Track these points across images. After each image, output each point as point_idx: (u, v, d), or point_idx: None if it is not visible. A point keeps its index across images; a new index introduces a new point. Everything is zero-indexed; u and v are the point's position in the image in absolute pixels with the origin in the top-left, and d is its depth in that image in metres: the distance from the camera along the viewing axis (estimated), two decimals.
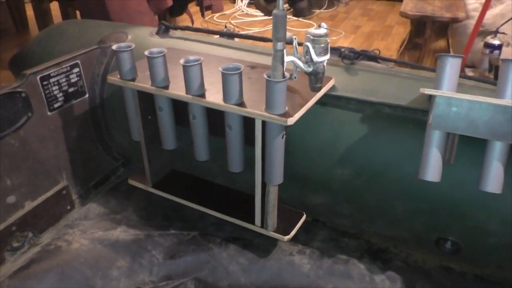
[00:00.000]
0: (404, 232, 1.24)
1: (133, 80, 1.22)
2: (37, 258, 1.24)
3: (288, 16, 0.97)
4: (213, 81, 1.17)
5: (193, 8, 3.37)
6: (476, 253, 1.17)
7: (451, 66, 1.01)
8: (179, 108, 1.26)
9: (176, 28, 1.59)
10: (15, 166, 1.26)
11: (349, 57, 1.29)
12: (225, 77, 1.06)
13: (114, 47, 1.22)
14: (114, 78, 1.24)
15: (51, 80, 1.33)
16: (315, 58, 1.00)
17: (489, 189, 0.99)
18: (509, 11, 2.94)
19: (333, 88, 1.20)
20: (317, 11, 5.09)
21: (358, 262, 1.26)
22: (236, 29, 4.43)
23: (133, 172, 1.51)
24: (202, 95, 1.13)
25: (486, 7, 2.71)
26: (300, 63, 1.02)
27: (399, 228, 1.23)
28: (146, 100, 1.27)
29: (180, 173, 1.48)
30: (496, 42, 2.78)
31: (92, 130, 1.51)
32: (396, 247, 1.31)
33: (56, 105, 1.36)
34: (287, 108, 1.04)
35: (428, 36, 3.09)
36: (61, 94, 1.37)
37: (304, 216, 1.30)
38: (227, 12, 4.96)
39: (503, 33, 2.80)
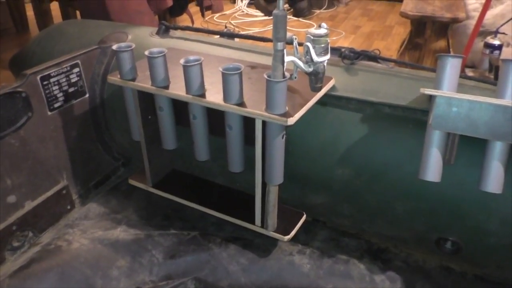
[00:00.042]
0: (404, 232, 1.24)
1: (133, 80, 1.22)
2: (37, 257, 1.24)
3: (288, 16, 0.97)
4: (213, 81, 1.17)
5: (193, 8, 3.37)
6: (476, 253, 1.17)
7: (451, 66, 1.01)
8: (180, 108, 1.26)
9: (176, 28, 1.59)
10: (15, 166, 1.26)
11: (349, 57, 1.30)
12: (225, 77, 1.07)
13: (114, 47, 1.22)
14: (114, 78, 1.24)
15: (51, 80, 1.33)
16: (315, 58, 1.00)
17: (489, 189, 0.99)
18: (509, 11, 2.95)
19: (333, 88, 1.20)
20: (317, 11, 5.09)
21: (358, 262, 1.26)
22: (236, 29, 4.43)
23: (133, 172, 1.51)
24: (202, 95, 1.13)
25: (486, 7, 2.71)
26: (301, 63, 1.02)
27: (399, 228, 1.23)
28: (146, 100, 1.27)
29: (180, 173, 1.48)
30: (496, 42, 2.78)
31: (92, 130, 1.51)
32: (396, 247, 1.31)
33: (56, 105, 1.36)
34: (287, 108, 1.04)
35: (428, 36, 3.10)
36: (61, 94, 1.37)
37: (304, 216, 1.30)
38: (227, 12, 4.96)
39: (503, 33, 2.80)
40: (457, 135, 1.01)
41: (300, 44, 1.03)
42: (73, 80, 1.40)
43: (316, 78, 1.05)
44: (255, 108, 1.06)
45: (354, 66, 1.29)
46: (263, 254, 1.28)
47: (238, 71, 1.06)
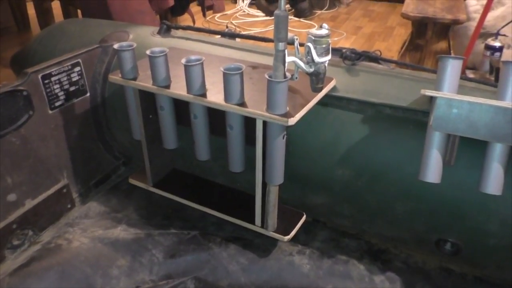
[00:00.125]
0: (404, 233, 1.24)
1: (135, 79, 1.23)
2: (37, 256, 1.24)
3: (289, 17, 0.97)
4: (215, 81, 1.17)
5: (194, 8, 3.37)
6: (476, 254, 1.17)
7: (452, 67, 1.02)
8: (180, 107, 1.26)
9: (177, 27, 1.59)
10: (16, 164, 1.26)
11: (350, 58, 1.30)
12: (226, 77, 1.07)
13: (115, 46, 1.22)
14: (115, 77, 1.24)
15: (53, 78, 1.33)
16: (316, 58, 1.00)
17: (489, 191, 0.99)
18: (510, 13, 2.95)
19: (334, 88, 1.20)
20: (319, 11, 5.09)
21: (358, 262, 1.26)
22: (238, 29, 4.43)
23: (134, 171, 1.52)
24: (204, 95, 1.13)
25: (487, 9, 2.71)
26: (302, 64, 1.02)
27: (399, 229, 1.23)
28: (147, 99, 1.27)
29: (181, 173, 1.48)
30: (497, 44, 2.78)
31: (93, 129, 1.51)
32: (396, 248, 1.31)
33: (57, 104, 1.36)
34: (288, 108, 1.04)
35: (429, 38, 3.10)
36: (62, 92, 1.37)
37: (304, 216, 1.30)
38: (229, 12, 4.97)
39: (504, 35, 2.80)
40: (457, 137, 1.01)
41: (301, 45, 1.03)
42: (74, 79, 1.40)
43: (317, 78, 1.05)
44: (256, 108, 1.06)
45: (355, 67, 1.29)
46: (263, 254, 1.28)
47: (239, 71, 1.06)
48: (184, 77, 1.13)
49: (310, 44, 1.00)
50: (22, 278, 1.17)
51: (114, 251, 1.27)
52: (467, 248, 1.15)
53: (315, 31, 1.00)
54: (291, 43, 1.02)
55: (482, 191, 1.00)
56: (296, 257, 1.27)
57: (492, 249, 1.11)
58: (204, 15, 3.38)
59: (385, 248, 1.32)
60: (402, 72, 1.27)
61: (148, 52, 1.16)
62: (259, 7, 5.02)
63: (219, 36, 1.64)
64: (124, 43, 1.23)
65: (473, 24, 2.95)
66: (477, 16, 2.91)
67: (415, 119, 1.12)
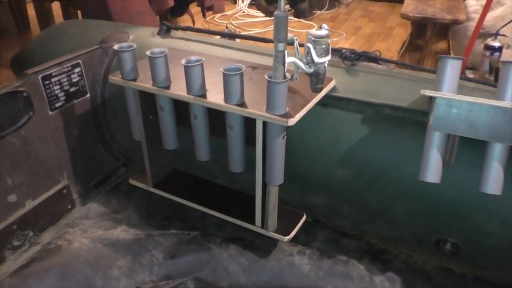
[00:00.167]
0: (404, 233, 1.24)
1: (135, 80, 1.23)
2: (37, 257, 1.25)
3: (289, 17, 0.98)
4: (214, 82, 1.17)
5: (194, 8, 3.37)
6: (476, 255, 1.17)
7: (452, 67, 1.02)
8: (180, 108, 1.26)
9: (177, 28, 1.60)
10: (16, 165, 1.26)
11: (350, 58, 1.30)
12: (226, 78, 1.07)
13: (115, 47, 1.22)
14: (115, 78, 1.24)
15: (53, 79, 1.33)
16: (316, 59, 1.00)
17: (489, 191, 0.99)
18: (509, 13, 2.95)
19: (334, 89, 1.20)
20: (318, 12, 5.09)
21: (358, 263, 1.26)
22: (237, 29, 4.43)
23: (134, 172, 1.52)
24: (203, 96, 1.13)
25: (486, 9, 2.72)
26: (301, 64, 1.02)
27: (399, 229, 1.23)
28: (148, 100, 1.27)
29: (181, 173, 1.48)
30: (496, 44, 2.78)
31: (93, 129, 1.51)
32: (396, 248, 1.31)
33: (57, 105, 1.36)
34: (288, 108, 1.04)
35: (428, 38, 3.10)
36: (62, 93, 1.37)
37: (304, 216, 1.30)
38: (228, 12, 4.97)
39: (504, 35, 2.80)
40: (457, 137, 1.01)
41: (301, 45, 1.03)
42: (74, 80, 1.40)
43: (316, 79, 1.05)
44: (256, 109, 1.06)
45: (354, 67, 1.29)
46: (263, 254, 1.28)
47: (239, 72, 1.06)
48: (184, 77, 1.13)
49: (309, 45, 1.00)
50: (23, 278, 1.17)
51: (114, 252, 1.27)
52: (467, 248, 1.15)
53: (314, 31, 1.00)
54: (291, 43, 1.02)
55: (482, 191, 1.00)
56: (296, 258, 1.27)
57: (492, 249, 1.11)
58: (204, 15, 3.38)
59: (385, 249, 1.32)
60: (402, 72, 1.27)
61: (148, 53, 1.16)
62: (259, 8, 5.02)
63: (219, 36, 1.64)
64: (124, 44, 1.23)
65: (473, 24, 2.95)
66: (477, 16, 2.91)
67: (414, 119, 1.12)
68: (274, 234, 1.24)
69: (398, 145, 1.13)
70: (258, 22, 4.80)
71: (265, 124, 1.07)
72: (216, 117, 1.19)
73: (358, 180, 1.17)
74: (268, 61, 1.22)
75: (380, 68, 1.29)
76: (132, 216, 1.41)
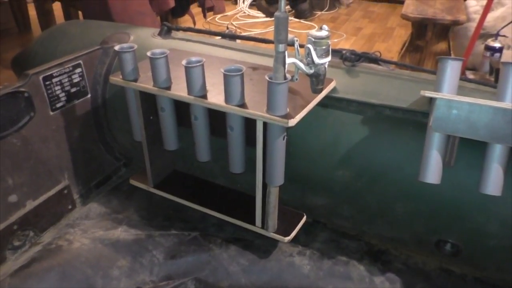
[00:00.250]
0: (404, 234, 1.24)
1: (135, 80, 1.23)
2: (38, 257, 1.25)
3: (289, 18, 0.98)
4: (215, 82, 1.17)
5: (195, 9, 3.37)
6: (476, 255, 1.17)
7: (452, 68, 1.02)
8: (181, 109, 1.26)
9: (178, 29, 1.60)
10: (17, 166, 1.26)
11: (350, 59, 1.30)
12: (227, 79, 1.07)
13: (116, 47, 1.22)
14: (116, 79, 1.25)
15: (54, 80, 1.33)
16: (316, 60, 1.01)
17: (489, 192, 0.99)
18: (510, 14, 2.95)
19: (334, 90, 1.21)
20: (319, 13, 5.10)
21: (358, 263, 1.26)
22: (238, 30, 4.43)
23: (135, 172, 1.52)
24: (204, 96, 1.14)
25: (487, 9, 2.72)
26: (302, 65, 1.02)
27: (399, 230, 1.23)
28: (148, 100, 1.27)
29: (181, 174, 1.49)
30: (497, 45, 2.78)
31: (94, 130, 1.52)
32: (396, 249, 1.32)
33: (58, 105, 1.36)
34: (288, 109, 1.05)
35: (429, 39, 3.10)
36: (63, 94, 1.37)
37: (305, 217, 1.30)
38: (229, 13, 4.97)
39: (504, 35, 2.80)
40: (457, 138, 1.01)
41: (301, 46, 1.03)
42: (75, 80, 1.40)
43: (317, 80, 1.05)
44: (256, 110, 1.06)
45: (355, 68, 1.29)
46: (264, 255, 1.28)
47: (240, 73, 1.06)
48: (185, 78, 1.13)
49: (310, 46, 1.00)
50: (23, 279, 1.17)
51: (115, 252, 1.27)
52: (467, 249, 1.16)
53: (315, 32, 1.00)
54: (291, 44, 1.02)
55: (482, 192, 1.00)
56: (297, 258, 1.27)
57: (492, 250, 1.11)
58: (204, 16, 3.39)
59: (385, 249, 1.32)
60: (402, 73, 1.28)
61: (148, 53, 1.16)
62: (260, 8, 5.03)
63: (220, 37, 1.64)
64: (125, 45, 1.23)
65: (473, 25, 2.96)
66: (477, 17, 2.92)
67: (415, 120, 1.12)
68: (274, 234, 1.24)
69: (398, 146, 1.13)
70: (258, 23, 4.80)
71: (265, 124, 1.07)
72: (216, 117, 1.20)
73: (358, 181, 1.17)
74: (269, 62, 1.22)
75: (380, 69, 1.29)
76: (133, 217, 1.41)
